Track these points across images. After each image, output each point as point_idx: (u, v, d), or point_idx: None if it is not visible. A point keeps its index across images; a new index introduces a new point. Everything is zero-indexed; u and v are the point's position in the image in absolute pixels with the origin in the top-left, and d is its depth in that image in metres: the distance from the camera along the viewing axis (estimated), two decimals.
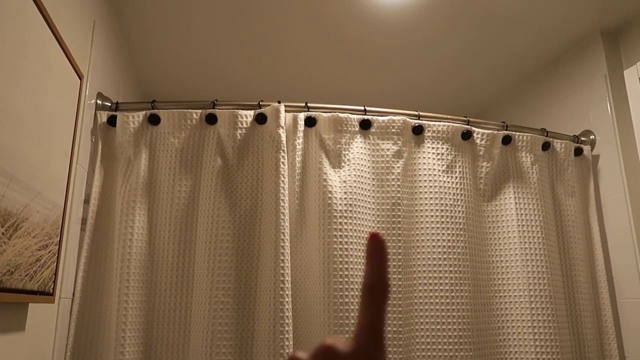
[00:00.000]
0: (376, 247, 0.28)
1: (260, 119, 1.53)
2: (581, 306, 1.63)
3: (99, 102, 1.55)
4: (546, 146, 1.75)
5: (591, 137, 1.86)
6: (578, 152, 1.82)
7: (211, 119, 1.53)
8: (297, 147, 1.53)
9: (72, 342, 1.30)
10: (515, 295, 1.55)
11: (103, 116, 1.53)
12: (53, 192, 1.06)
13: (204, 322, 1.33)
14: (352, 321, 1.36)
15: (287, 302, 1.33)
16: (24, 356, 1.04)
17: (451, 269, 1.50)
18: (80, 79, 1.29)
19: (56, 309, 1.23)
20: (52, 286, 1.06)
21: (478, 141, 1.69)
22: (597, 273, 1.69)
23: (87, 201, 1.46)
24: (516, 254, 1.58)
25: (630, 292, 1.63)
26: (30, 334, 1.07)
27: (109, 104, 1.57)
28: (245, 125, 1.54)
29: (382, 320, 0.27)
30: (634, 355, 1.59)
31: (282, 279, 1.34)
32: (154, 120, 1.52)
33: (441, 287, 1.48)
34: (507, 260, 1.59)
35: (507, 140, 1.70)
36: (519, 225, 1.60)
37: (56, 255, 1.07)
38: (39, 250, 0.98)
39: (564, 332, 1.54)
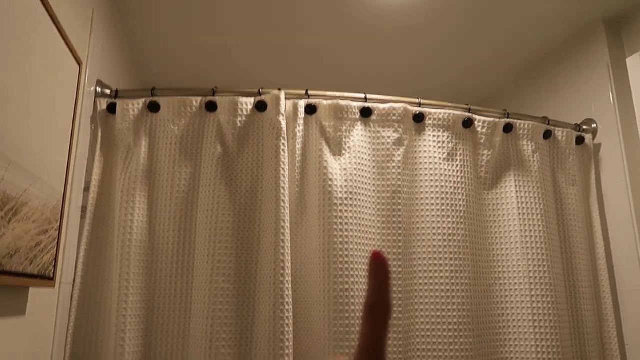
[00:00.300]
0: (378, 266, 0.27)
1: (261, 106, 1.53)
2: (581, 294, 1.63)
3: (99, 89, 1.54)
4: (547, 134, 1.75)
5: (593, 125, 1.85)
6: (579, 140, 1.81)
7: (211, 107, 1.52)
8: (298, 134, 1.53)
9: (73, 327, 1.31)
10: (515, 283, 1.55)
11: (103, 103, 1.52)
12: (52, 177, 1.06)
13: (204, 308, 1.33)
14: (353, 307, 1.36)
15: (287, 288, 1.33)
16: (24, 340, 1.04)
17: (451, 256, 1.50)
18: (79, 65, 1.28)
19: (57, 294, 1.24)
20: (53, 271, 1.06)
21: (479, 129, 1.68)
22: (598, 261, 1.69)
23: (87, 189, 1.46)
24: (516, 242, 1.57)
25: (630, 281, 1.63)
26: (31, 318, 1.07)
27: (109, 92, 1.57)
28: (245, 113, 1.53)
29: (383, 341, 0.26)
30: (634, 343, 1.59)
31: (282, 265, 1.34)
32: (153, 107, 1.52)
33: (441, 275, 1.49)
34: (507, 249, 1.59)
35: (508, 128, 1.69)
36: (519, 214, 1.60)
37: (56, 240, 1.07)
38: (39, 235, 0.98)
39: (564, 320, 1.54)
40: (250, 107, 1.54)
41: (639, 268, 1.60)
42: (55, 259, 1.08)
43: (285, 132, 1.48)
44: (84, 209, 1.44)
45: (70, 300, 1.34)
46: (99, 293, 1.37)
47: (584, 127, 1.86)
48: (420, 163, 1.59)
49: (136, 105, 1.51)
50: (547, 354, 1.46)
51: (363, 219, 1.47)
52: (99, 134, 1.49)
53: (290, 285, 1.35)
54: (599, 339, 1.62)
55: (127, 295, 1.31)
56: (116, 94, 1.56)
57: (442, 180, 1.57)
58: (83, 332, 1.33)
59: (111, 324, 1.31)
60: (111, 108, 1.52)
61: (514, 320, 1.53)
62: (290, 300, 1.33)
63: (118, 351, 1.25)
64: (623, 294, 1.66)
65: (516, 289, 1.55)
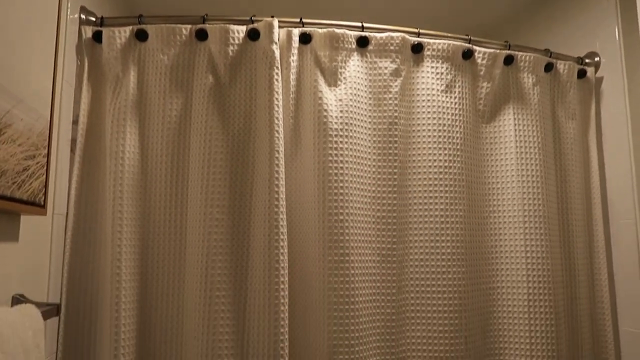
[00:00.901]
0: None
1: (253, 34, 1.46)
2: (574, 226, 1.64)
3: (83, 16, 1.47)
4: (549, 67, 1.70)
5: (596, 59, 1.79)
6: (581, 74, 1.77)
7: (201, 35, 1.46)
8: (292, 64, 1.48)
9: (69, 257, 1.31)
10: (510, 216, 1.56)
11: (88, 31, 1.46)
12: (37, 102, 1.02)
13: (199, 238, 1.33)
14: (347, 237, 1.37)
15: (281, 219, 1.33)
16: (19, 266, 1.05)
17: (447, 188, 1.50)
18: None
19: (50, 223, 1.23)
20: (43, 198, 1.05)
21: (479, 61, 1.63)
22: (592, 195, 1.69)
23: (75, 122, 1.42)
24: (512, 175, 1.57)
25: (623, 214, 1.64)
26: (25, 245, 1.07)
27: (94, 19, 1.49)
28: (237, 42, 1.47)
29: None
30: (622, 274, 1.63)
31: (276, 196, 1.33)
32: (141, 36, 1.45)
33: (436, 207, 1.49)
34: (503, 182, 1.59)
35: (509, 60, 1.65)
36: (516, 147, 1.58)
37: (45, 167, 1.05)
38: (26, 160, 0.96)
39: (556, 251, 1.56)
40: (242, 35, 1.48)
41: (632, 202, 1.61)
42: (46, 187, 1.06)
43: (279, 61, 1.43)
44: (73, 141, 1.41)
45: (64, 231, 1.33)
46: (93, 224, 1.37)
47: (587, 60, 1.80)
48: (418, 95, 1.56)
49: (123, 34, 1.45)
50: (537, 282, 1.49)
51: (358, 150, 1.45)
52: (86, 64, 1.43)
53: (284, 216, 1.35)
54: (589, 269, 1.65)
55: (122, 226, 1.31)
56: (101, 22, 1.49)
57: (439, 113, 1.54)
58: (79, 262, 1.34)
59: (107, 253, 1.31)
60: (97, 36, 1.46)
61: (506, 251, 1.55)
62: (285, 230, 1.34)
63: (115, 279, 1.27)
64: (615, 227, 1.67)
65: (510, 222, 1.56)
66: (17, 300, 0.98)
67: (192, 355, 1.30)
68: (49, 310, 1.01)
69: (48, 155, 1.07)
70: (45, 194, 1.06)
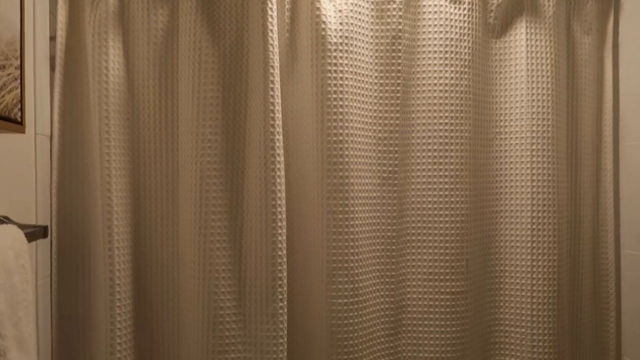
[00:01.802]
0: None
1: None
2: (582, 148, 1.58)
3: None
4: None
5: None
6: None
7: None
8: None
9: (56, 179, 1.26)
10: (517, 137, 1.49)
11: None
12: (3, 7, 0.92)
13: (191, 160, 1.28)
14: (347, 159, 1.31)
15: (278, 139, 1.27)
16: (0, 187, 0.99)
17: (452, 108, 1.42)
18: None
19: (32, 143, 1.16)
20: (20, 114, 0.97)
21: None
22: (604, 115, 1.62)
23: (54, 38, 1.31)
24: (522, 95, 1.48)
25: (634, 135, 1.57)
26: (5, 166, 1.01)
27: None
28: None
29: None
30: (629, 196, 1.59)
31: (272, 115, 1.26)
32: None
33: (440, 127, 1.42)
34: (511, 101, 1.50)
35: None
36: (528, 64, 1.48)
37: (18, 80, 0.97)
38: None
39: (562, 174, 1.51)
40: None
41: None
42: (22, 102, 0.98)
43: None
44: (52, 59, 1.31)
45: (50, 154, 1.27)
46: (79, 146, 1.30)
47: None
48: (424, 6, 1.44)
49: None
50: (542, 206, 1.45)
51: (359, 66, 1.36)
52: None
53: (281, 137, 1.28)
54: (595, 191, 1.61)
55: (109, 147, 1.25)
56: None
57: (446, 26, 1.43)
58: (67, 185, 1.29)
59: (96, 176, 1.25)
60: None
61: (511, 174, 1.50)
62: (282, 151, 1.28)
63: (105, 202, 1.22)
64: (625, 148, 1.61)
65: (517, 144, 1.49)
66: (1, 221, 0.93)
67: (188, 276, 1.29)
68: (35, 232, 0.97)
69: (21, 67, 0.98)
70: (22, 110, 0.99)
